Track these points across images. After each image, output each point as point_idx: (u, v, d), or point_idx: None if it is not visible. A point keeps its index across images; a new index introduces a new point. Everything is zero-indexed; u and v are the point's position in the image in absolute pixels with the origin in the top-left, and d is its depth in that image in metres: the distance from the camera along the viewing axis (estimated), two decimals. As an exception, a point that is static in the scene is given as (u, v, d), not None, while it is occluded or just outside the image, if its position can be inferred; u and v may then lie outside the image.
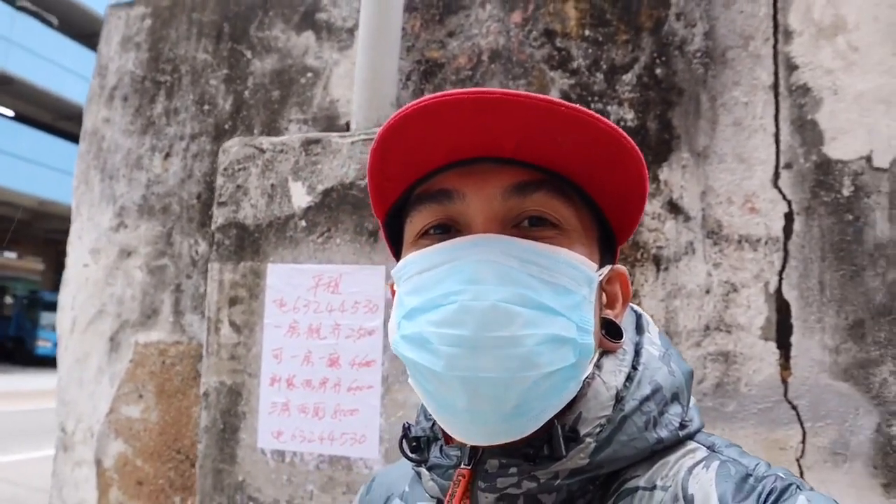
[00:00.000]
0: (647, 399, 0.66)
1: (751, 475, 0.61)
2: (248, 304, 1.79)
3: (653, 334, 0.73)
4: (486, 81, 1.92)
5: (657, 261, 1.74)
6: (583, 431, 0.63)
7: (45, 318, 21.93)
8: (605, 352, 0.68)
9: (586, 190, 0.68)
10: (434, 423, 0.72)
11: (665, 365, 0.69)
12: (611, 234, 0.72)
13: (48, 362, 18.64)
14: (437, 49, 2.00)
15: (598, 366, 0.67)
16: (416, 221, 0.67)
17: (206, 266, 2.11)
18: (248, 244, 1.83)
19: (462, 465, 0.66)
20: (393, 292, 0.70)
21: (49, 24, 22.01)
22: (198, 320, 2.13)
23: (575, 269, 0.64)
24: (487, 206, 0.64)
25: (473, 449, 0.65)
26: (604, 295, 0.70)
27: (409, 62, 2.02)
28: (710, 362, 1.64)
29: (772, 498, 0.58)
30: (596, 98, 1.83)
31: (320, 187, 1.80)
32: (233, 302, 1.80)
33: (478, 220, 0.63)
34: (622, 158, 0.64)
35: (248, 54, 2.24)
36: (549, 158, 0.64)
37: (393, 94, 1.89)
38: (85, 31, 20.25)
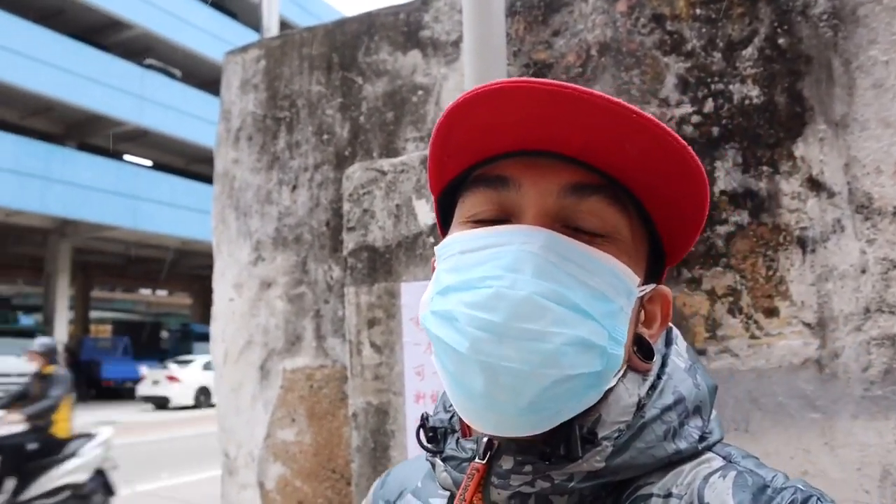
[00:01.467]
0: (668, 409, 0.65)
1: (768, 486, 0.59)
2: (385, 324, 1.83)
3: (680, 347, 0.72)
4: (598, 76, 1.88)
5: (802, 243, 1.63)
6: (601, 434, 0.63)
7: (196, 348, 23.42)
8: (631, 368, 0.67)
9: (644, 203, 0.67)
10: (452, 416, 0.72)
11: (690, 377, 0.69)
12: (661, 253, 0.71)
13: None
14: (544, 50, 1.98)
15: (623, 375, 0.66)
16: (469, 203, 0.68)
17: (342, 290, 2.18)
18: (379, 266, 1.88)
19: (477, 460, 0.65)
20: (434, 269, 0.70)
21: (174, 76, 23.64)
22: (339, 343, 2.20)
23: (616, 278, 0.63)
24: (542, 200, 0.64)
25: (489, 443, 0.65)
26: (642, 312, 0.70)
27: (516, 67, 2.01)
28: (874, 347, 1.52)
29: None
30: (716, 78, 1.75)
31: (442, 203, 1.82)
32: (371, 323, 1.85)
33: (530, 212, 0.64)
34: (687, 176, 0.63)
35: (359, 80, 2.30)
36: (613, 163, 0.63)
37: (504, 102, 1.89)
38: (206, 79, 21.54)
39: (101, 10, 21.20)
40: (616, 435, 0.63)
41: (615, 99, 0.58)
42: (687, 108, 1.77)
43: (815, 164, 1.64)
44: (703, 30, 1.78)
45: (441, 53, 2.16)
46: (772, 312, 1.65)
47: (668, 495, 0.62)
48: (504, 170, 0.65)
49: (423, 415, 0.74)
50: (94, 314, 30.26)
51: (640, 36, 1.85)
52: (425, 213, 1.84)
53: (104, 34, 22.82)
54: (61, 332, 21.67)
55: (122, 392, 22.11)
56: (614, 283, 0.63)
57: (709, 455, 0.65)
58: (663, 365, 0.69)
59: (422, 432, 0.72)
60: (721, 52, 1.76)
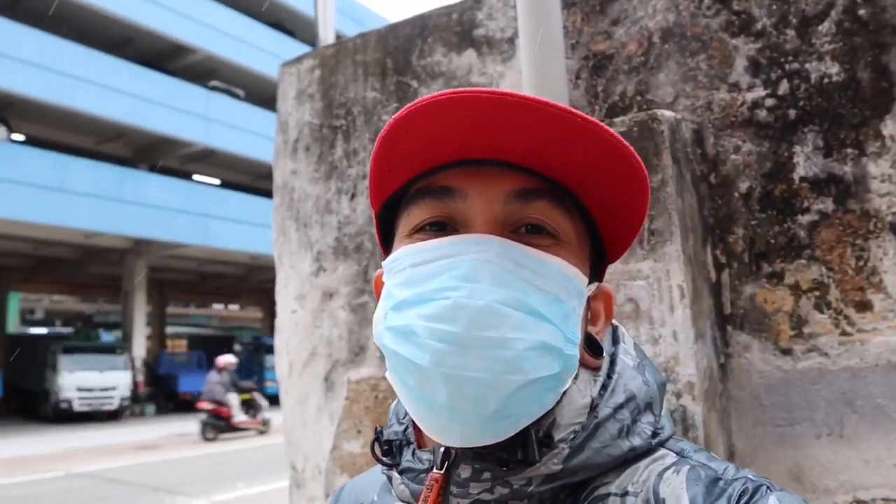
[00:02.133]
0: (620, 407, 0.66)
1: (720, 478, 0.61)
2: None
3: (628, 345, 0.74)
4: (662, 64, 1.79)
5: (895, 229, 1.50)
6: (557, 437, 0.64)
7: (269, 360, 23.87)
8: (582, 365, 0.68)
9: (586, 204, 0.68)
10: (407, 428, 0.72)
11: (640, 374, 0.70)
12: (601, 253, 0.73)
13: (277, 400, 20.26)
14: (604, 40, 1.90)
15: (575, 375, 0.67)
16: (414, 215, 0.68)
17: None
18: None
19: (434, 470, 0.66)
20: (379, 285, 0.70)
21: (237, 97, 24.26)
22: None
23: (567, 280, 0.64)
24: (489, 209, 0.64)
25: (446, 453, 0.65)
26: (588, 311, 0.71)
27: (575, 60, 1.93)
28: None
29: (744, 499, 0.58)
30: (790, 58, 1.64)
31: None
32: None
33: (478, 221, 0.64)
34: (629, 176, 0.65)
35: (414, 84, 2.26)
36: (555, 167, 0.65)
37: (565, 96, 1.81)
38: (268, 97, 22.04)
39: (167, 36, 21.96)
40: (572, 437, 0.64)
41: (558, 104, 0.59)
42: (760, 92, 1.66)
43: (906, 143, 1.51)
44: (774, 7, 1.67)
45: (496, 51, 2.10)
46: (864, 306, 1.52)
47: (625, 494, 0.63)
48: (448, 180, 0.66)
49: (377, 428, 0.74)
50: (169, 329, 31.25)
51: (706, 18, 1.75)
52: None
53: (171, 60, 23.65)
54: (139, 347, 22.46)
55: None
56: (566, 284, 0.64)
57: (662, 451, 0.66)
58: (612, 364, 0.70)
59: (377, 446, 0.72)
60: (794, 28, 1.64)
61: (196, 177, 25.78)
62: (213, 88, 23.59)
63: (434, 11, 2.25)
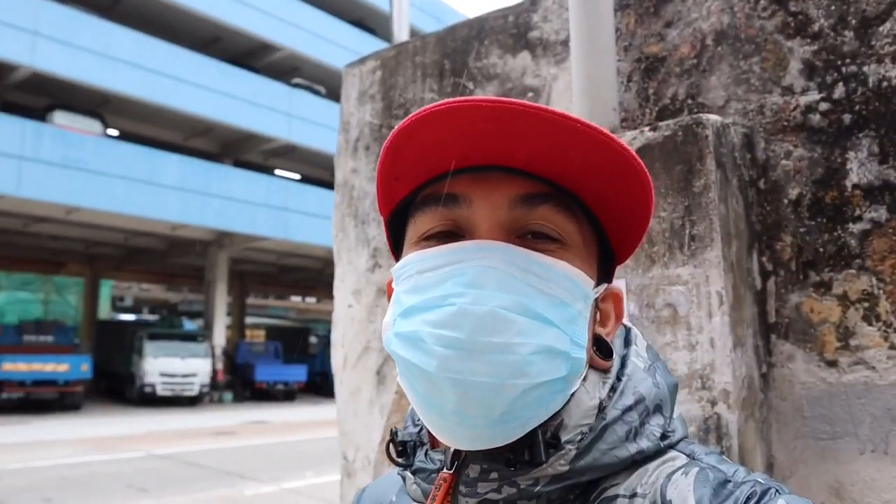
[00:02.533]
0: (629, 409, 0.67)
1: (729, 481, 0.61)
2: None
3: (640, 347, 0.74)
4: (714, 66, 1.76)
5: (953, 238, 1.44)
6: (564, 438, 0.64)
7: (342, 354, 24.25)
8: (591, 367, 0.69)
9: (591, 207, 0.69)
10: (421, 429, 0.73)
11: (650, 377, 0.70)
12: (610, 254, 0.74)
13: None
14: (656, 43, 1.88)
15: (584, 377, 0.67)
16: (420, 222, 0.69)
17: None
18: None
19: (445, 470, 0.67)
20: (390, 290, 0.72)
21: (319, 93, 24.82)
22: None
23: (572, 283, 0.65)
24: (493, 214, 0.65)
25: (456, 453, 0.67)
26: (598, 312, 0.72)
27: (628, 62, 1.93)
28: None
29: (751, 502, 0.58)
30: (847, 60, 1.59)
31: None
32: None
33: (482, 227, 0.65)
34: (631, 178, 0.65)
35: (471, 85, 2.29)
36: (559, 172, 0.65)
37: (614, 99, 1.81)
38: (348, 94, 22.45)
39: (253, 35, 22.65)
40: (579, 438, 0.64)
41: (558, 111, 0.60)
42: (814, 95, 1.62)
43: (968, 151, 1.45)
44: (832, 7, 1.62)
45: (550, 53, 2.11)
46: (916, 319, 1.47)
47: (633, 495, 0.63)
48: (453, 187, 0.67)
49: (392, 429, 0.75)
50: (249, 320, 32.26)
51: (761, 20, 1.71)
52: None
53: (256, 58, 24.39)
54: (219, 336, 23.29)
55: (273, 393, 23.37)
56: (571, 288, 0.65)
57: (672, 453, 0.67)
58: (623, 366, 0.70)
59: (391, 447, 0.74)
60: (853, 30, 1.59)
61: (277, 171, 26.53)
62: (296, 85, 24.22)
63: (491, 14, 2.27)
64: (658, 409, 0.69)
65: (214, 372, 22.17)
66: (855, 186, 1.55)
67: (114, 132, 21.90)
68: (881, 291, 1.50)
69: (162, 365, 20.28)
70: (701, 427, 1.46)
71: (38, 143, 17.29)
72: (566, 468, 0.64)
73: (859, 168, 1.55)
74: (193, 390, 20.78)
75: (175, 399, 20.58)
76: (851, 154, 1.56)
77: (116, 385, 22.33)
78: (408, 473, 0.73)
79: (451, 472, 0.67)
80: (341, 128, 2.67)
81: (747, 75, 1.72)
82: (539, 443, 0.64)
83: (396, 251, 0.77)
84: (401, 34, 5.03)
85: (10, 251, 24.03)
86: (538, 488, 0.63)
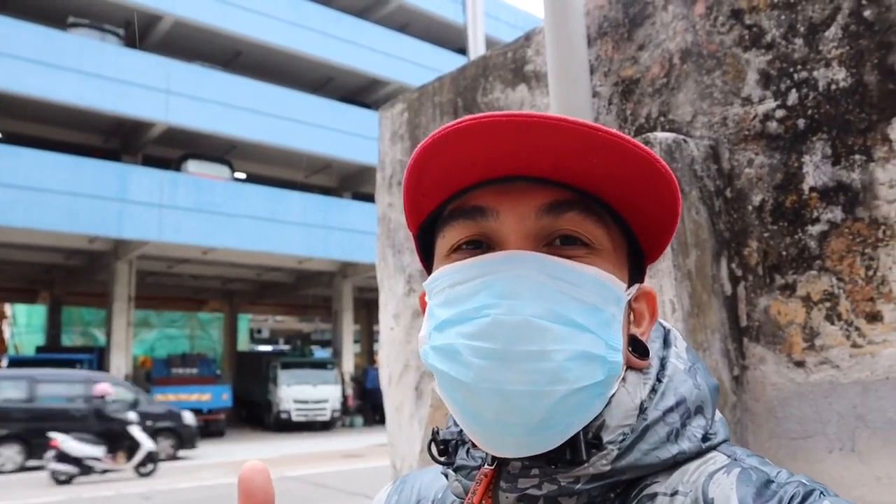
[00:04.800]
0: (670, 410, 0.66)
1: (773, 481, 0.60)
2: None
3: (679, 348, 0.73)
4: (682, 84, 1.84)
5: (904, 235, 1.45)
6: (606, 438, 0.64)
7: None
8: (629, 367, 0.69)
9: (618, 210, 0.69)
10: (462, 430, 0.72)
11: (691, 378, 0.69)
12: (640, 254, 0.73)
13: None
14: (631, 66, 1.97)
15: (623, 379, 0.68)
16: (449, 236, 0.69)
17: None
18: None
19: (485, 466, 0.68)
20: (423, 304, 0.72)
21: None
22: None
23: (604, 288, 0.65)
24: (521, 224, 0.66)
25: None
26: (631, 313, 0.72)
27: (608, 86, 2.03)
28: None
29: (795, 502, 0.57)
30: (798, 67, 1.63)
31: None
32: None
33: (511, 238, 0.66)
34: (655, 180, 0.65)
35: (481, 118, 2.45)
36: (583, 179, 0.66)
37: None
38: (455, 120, 22.88)
39: (363, 72, 23.66)
40: (620, 438, 0.64)
41: (580, 120, 0.61)
42: (770, 104, 1.67)
43: (914, 147, 1.46)
44: (783, 17, 1.67)
45: (543, 84, 2.23)
46: (874, 317, 1.48)
47: (675, 493, 0.63)
48: (479, 200, 0.67)
49: (434, 429, 0.76)
50: (376, 346, 33.21)
51: (720, 35, 1.78)
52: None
53: (367, 93, 25.40)
54: (348, 363, 24.19)
55: (403, 417, 23.92)
56: (603, 293, 0.65)
57: (714, 454, 0.66)
58: (663, 367, 0.70)
59: (433, 446, 0.75)
60: (802, 37, 1.64)
61: (394, 201, 27.32)
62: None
63: (494, 52, 2.43)
64: (699, 410, 0.68)
65: (345, 398, 23.05)
66: (812, 189, 1.59)
67: (241, 175, 23.44)
68: (841, 291, 1.53)
69: (295, 392, 21.34)
70: (664, 430, 1.54)
71: (174, 191, 18.83)
72: (608, 468, 0.64)
73: (815, 171, 1.59)
74: (325, 415, 21.68)
75: (309, 424, 21.56)
76: (807, 158, 1.60)
77: (255, 412, 23.66)
78: (450, 471, 0.73)
79: (492, 467, 0.68)
80: (379, 166, 2.89)
81: (711, 89, 1.78)
82: (580, 443, 0.64)
83: (427, 266, 0.77)
84: (477, 48, 5.21)
85: (157, 291, 26.15)
86: (579, 486, 0.64)
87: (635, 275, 0.72)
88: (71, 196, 17.20)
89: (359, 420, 23.80)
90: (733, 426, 1.60)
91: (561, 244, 0.66)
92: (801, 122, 1.62)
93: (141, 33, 21.24)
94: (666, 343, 0.74)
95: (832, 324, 1.53)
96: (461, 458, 0.71)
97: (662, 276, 1.56)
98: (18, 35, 16.95)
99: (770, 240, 1.64)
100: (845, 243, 1.53)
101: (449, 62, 24.70)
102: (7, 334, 27.78)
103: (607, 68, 2.03)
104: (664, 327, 0.76)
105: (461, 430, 0.73)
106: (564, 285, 0.63)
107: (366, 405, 24.62)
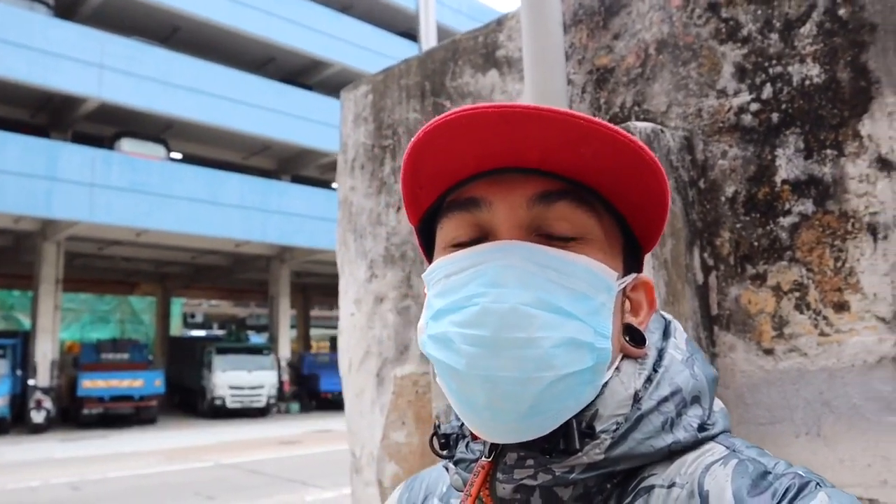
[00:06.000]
0: (665, 400, 0.67)
1: (769, 472, 0.61)
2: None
3: (679, 339, 0.74)
4: (657, 74, 1.86)
5: (872, 230, 1.50)
6: (599, 428, 0.65)
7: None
8: (626, 356, 0.70)
9: (610, 200, 0.70)
10: (463, 423, 0.75)
11: (688, 368, 0.70)
12: (635, 244, 0.74)
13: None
14: (606, 54, 1.98)
15: (618, 368, 0.69)
16: (447, 228, 0.72)
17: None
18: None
19: (483, 458, 0.70)
20: (425, 295, 0.74)
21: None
22: (432, 352, 2.32)
23: (593, 276, 0.66)
24: (513, 214, 0.67)
25: (495, 443, 0.69)
26: (628, 302, 0.73)
27: (581, 74, 2.03)
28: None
29: (790, 494, 0.58)
30: (773, 62, 1.67)
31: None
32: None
33: (503, 228, 0.67)
34: (641, 169, 0.66)
35: (448, 104, 2.43)
36: (573, 169, 0.67)
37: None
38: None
39: (305, 53, 23.27)
40: (614, 427, 0.65)
41: (565, 110, 0.63)
42: (745, 97, 1.70)
43: (883, 141, 1.51)
44: (759, 11, 1.70)
45: (515, 70, 2.23)
46: (842, 307, 1.53)
47: (672, 485, 0.64)
48: (473, 191, 0.70)
49: (435, 423, 0.78)
50: (313, 332, 32.95)
51: (696, 28, 1.80)
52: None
53: (309, 75, 25.01)
54: (285, 349, 23.90)
55: (338, 403, 23.86)
56: (592, 281, 0.66)
57: (712, 445, 0.67)
58: (660, 358, 0.71)
59: (434, 440, 0.77)
60: (778, 32, 1.67)
61: (334, 185, 27.06)
62: (349, 100, 24.68)
63: (464, 35, 2.40)
64: (696, 400, 0.69)
65: (281, 383, 22.79)
66: (784, 182, 1.63)
67: (177, 156, 22.80)
68: (810, 281, 1.57)
69: (230, 378, 20.98)
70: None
71: (107, 170, 18.19)
72: (601, 457, 0.64)
73: (787, 164, 1.63)
74: (261, 402, 21.41)
75: (244, 411, 21.25)
76: (780, 151, 1.64)
77: (189, 399, 23.18)
78: (450, 464, 0.75)
79: (490, 459, 0.69)
80: (341, 149, 2.84)
81: (686, 81, 1.81)
82: (573, 432, 0.65)
83: (429, 257, 0.79)
84: (429, 38, 5.16)
85: (87, 274, 25.27)
86: (573, 475, 0.65)
87: (631, 264, 0.73)
88: (-6, 173, 16.41)
89: (295, 406, 23.57)
90: (704, 412, 1.64)
91: (552, 234, 0.67)
92: (774, 116, 1.65)
93: (72, 4, 20.38)
94: (666, 334, 0.75)
95: (801, 313, 1.58)
96: (461, 451, 0.73)
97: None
98: (-63, 1, 16.03)
99: (742, 230, 1.68)
100: (815, 235, 1.58)
101: (393, 46, 24.54)
102: (-79, 316, 26.41)
103: (581, 56, 2.04)
104: (665, 318, 0.77)
105: (462, 424, 0.75)
106: (553, 273, 0.64)
107: (302, 391, 24.39)
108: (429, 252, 0.79)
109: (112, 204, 18.01)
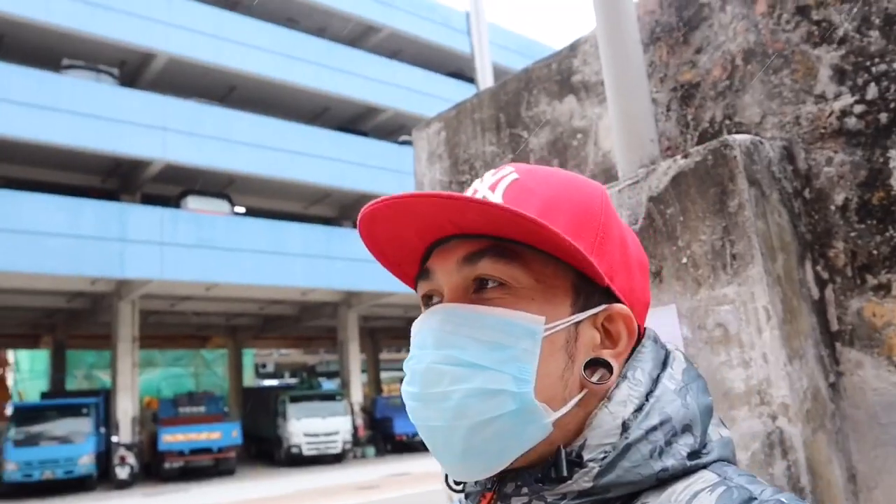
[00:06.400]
0: (653, 429, 0.69)
1: (755, 499, 0.63)
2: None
3: (675, 370, 0.76)
4: (747, 85, 1.79)
5: None
6: (586, 457, 0.69)
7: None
8: (619, 384, 0.73)
9: (538, 248, 0.73)
10: None
11: (679, 398, 0.73)
12: (591, 281, 0.75)
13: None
14: (689, 70, 1.93)
15: (608, 397, 0.72)
16: (420, 294, 0.80)
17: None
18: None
19: (485, 490, 0.76)
20: None
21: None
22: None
23: (510, 325, 0.71)
24: (449, 279, 0.75)
25: (500, 476, 0.74)
26: (598, 335, 0.75)
27: (665, 92, 1.98)
28: None
29: None
30: (876, 60, 1.58)
31: (602, 240, 1.84)
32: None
33: (445, 291, 0.75)
34: (519, 223, 0.69)
35: (525, 134, 2.40)
36: (487, 230, 0.73)
37: (652, 131, 1.87)
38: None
39: (358, 101, 23.79)
40: (602, 456, 0.69)
41: (444, 193, 0.69)
42: (847, 99, 1.62)
43: None
44: (854, 10, 1.63)
45: (593, 94, 2.19)
46: (982, 313, 1.42)
47: None
48: (427, 262, 0.78)
49: None
50: (384, 375, 33.02)
51: (785, 33, 1.73)
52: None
53: (363, 121, 25.52)
54: (356, 393, 23.99)
55: (414, 445, 23.73)
56: (509, 330, 0.71)
57: (703, 473, 0.69)
58: (654, 388, 0.73)
59: (450, 476, 0.80)
60: (878, 29, 1.59)
61: (394, 228, 27.27)
62: (403, 143, 25.07)
63: (536, 64, 2.39)
64: (687, 429, 0.70)
65: (355, 428, 22.81)
66: (901, 185, 1.53)
67: (241, 210, 23.43)
68: (942, 288, 1.47)
69: (305, 426, 21.11)
70: (765, 443, 1.47)
71: (175, 229, 18.80)
72: (590, 484, 0.67)
73: (902, 166, 1.53)
74: (337, 448, 21.44)
75: (321, 458, 21.32)
76: (893, 153, 1.55)
77: (266, 448, 23.41)
78: (461, 497, 0.81)
79: (491, 491, 0.74)
80: (416, 187, 2.84)
81: (779, 89, 1.74)
82: (562, 461, 0.68)
83: None
84: (485, 78, 5.18)
85: (160, 330, 26.00)
86: (565, 502, 0.68)
87: (592, 300, 0.75)
88: (71, 238, 17.13)
89: (370, 450, 23.54)
90: (834, 436, 1.53)
91: (480, 288, 0.73)
92: (882, 117, 1.57)
93: (135, 72, 21.34)
94: (664, 364, 0.77)
95: (935, 323, 1.47)
96: (469, 485, 0.79)
97: (753, 283, 1.50)
98: (12, 80, 16.99)
99: (858, 239, 1.59)
100: (943, 239, 1.47)
101: (443, 87, 24.88)
102: (10, 381, 27.52)
103: (663, 74, 1.99)
104: (666, 349, 0.79)
105: None
106: (467, 329, 0.71)
107: (377, 435, 24.36)
108: None
109: (182, 261, 18.56)
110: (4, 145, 17.38)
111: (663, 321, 1.69)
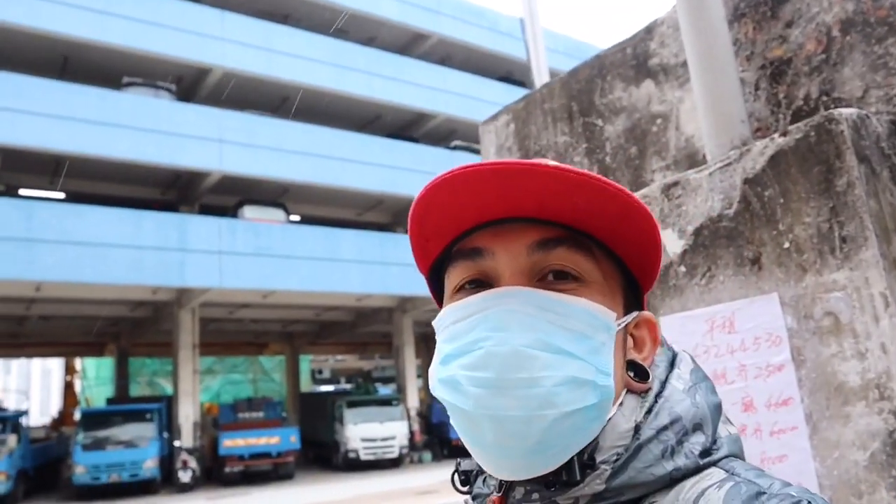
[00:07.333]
0: (664, 429, 0.69)
1: (763, 493, 0.61)
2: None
3: (683, 371, 0.76)
4: (846, 57, 1.68)
5: None
6: (599, 459, 0.68)
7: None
8: (630, 391, 0.73)
9: (606, 244, 0.73)
10: None
11: (688, 397, 0.72)
12: (635, 284, 0.77)
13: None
14: (779, 45, 1.82)
15: (622, 402, 0.71)
16: (453, 276, 0.76)
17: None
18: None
19: (494, 493, 0.74)
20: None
21: (476, 151, 25.44)
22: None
23: (592, 317, 0.69)
24: (514, 262, 0.71)
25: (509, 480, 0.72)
26: (631, 339, 0.76)
27: (752, 71, 1.87)
28: None
29: None
30: None
31: (690, 228, 1.75)
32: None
33: (506, 274, 0.71)
34: (630, 215, 0.70)
35: (600, 122, 2.31)
36: (569, 217, 0.71)
37: (741, 111, 1.77)
38: (503, 147, 22.85)
39: (409, 107, 23.88)
40: (614, 458, 0.68)
41: (557, 165, 0.66)
42: (964, 69, 1.50)
43: None
44: (970, -26, 1.51)
45: (673, 77, 2.09)
46: None
47: None
48: (477, 242, 0.73)
49: (457, 460, 0.82)
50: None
51: None
52: (673, 241, 1.77)
53: (413, 128, 25.60)
54: (413, 398, 24.01)
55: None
56: (591, 321, 0.69)
57: (712, 470, 0.68)
58: (662, 389, 0.73)
59: (456, 476, 0.81)
60: None
61: (447, 233, 27.30)
62: (455, 148, 25.08)
63: (609, 50, 2.30)
64: (698, 427, 0.70)
65: (412, 433, 22.82)
66: None
67: (296, 218, 23.73)
68: None
69: (363, 431, 21.20)
70: (886, 442, 1.36)
71: (233, 238, 19.12)
72: (602, 487, 0.67)
73: None
74: (394, 453, 21.47)
75: (378, 462, 21.38)
76: None
77: (323, 453, 23.57)
78: (469, 499, 0.79)
79: (500, 494, 0.73)
80: (483, 182, 2.78)
81: (884, 59, 1.62)
82: (574, 464, 0.67)
83: (440, 303, 0.83)
84: (541, 80, 5.11)
85: (219, 338, 26.50)
86: None
87: (632, 303, 0.76)
88: (134, 249, 17.57)
89: (427, 455, 23.51)
90: (961, 432, 1.40)
91: (553, 278, 0.71)
92: None
93: (192, 87, 21.84)
94: (672, 365, 0.76)
95: None
96: (478, 486, 0.78)
97: (867, 267, 1.39)
98: (77, 99, 17.55)
99: (981, 218, 1.46)
100: None
101: (494, 91, 24.81)
102: (78, 388, 28.44)
103: (750, 51, 1.88)
104: (673, 351, 0.79)
105: None
106: (553, 316, 0.68)
107: (433, 440, 24.33)
108: (440, 299, 0.82)
109: (239, 269, 18.86)
110: (70, 161, 17.95)
111: (764, 310, 1.58)
